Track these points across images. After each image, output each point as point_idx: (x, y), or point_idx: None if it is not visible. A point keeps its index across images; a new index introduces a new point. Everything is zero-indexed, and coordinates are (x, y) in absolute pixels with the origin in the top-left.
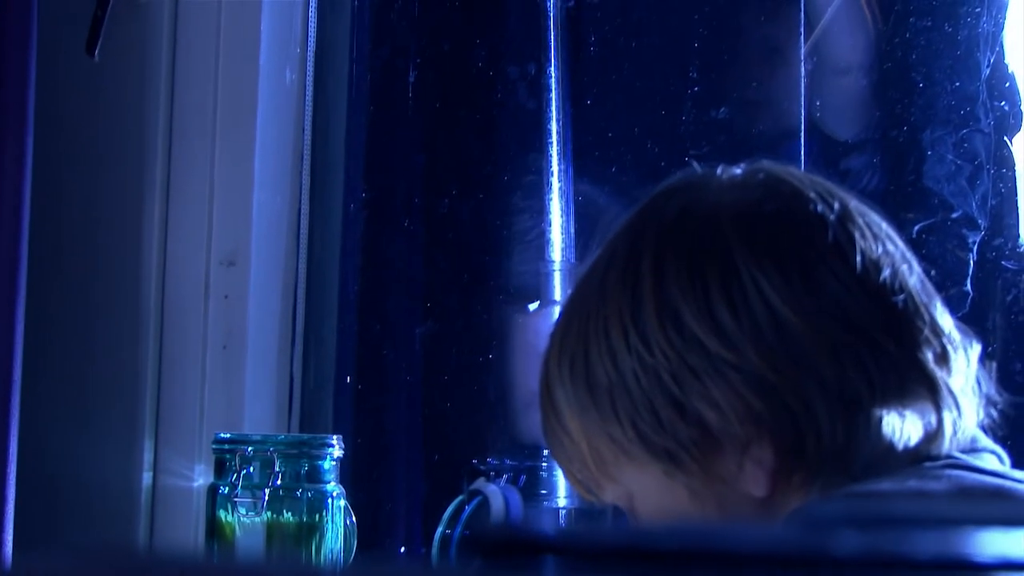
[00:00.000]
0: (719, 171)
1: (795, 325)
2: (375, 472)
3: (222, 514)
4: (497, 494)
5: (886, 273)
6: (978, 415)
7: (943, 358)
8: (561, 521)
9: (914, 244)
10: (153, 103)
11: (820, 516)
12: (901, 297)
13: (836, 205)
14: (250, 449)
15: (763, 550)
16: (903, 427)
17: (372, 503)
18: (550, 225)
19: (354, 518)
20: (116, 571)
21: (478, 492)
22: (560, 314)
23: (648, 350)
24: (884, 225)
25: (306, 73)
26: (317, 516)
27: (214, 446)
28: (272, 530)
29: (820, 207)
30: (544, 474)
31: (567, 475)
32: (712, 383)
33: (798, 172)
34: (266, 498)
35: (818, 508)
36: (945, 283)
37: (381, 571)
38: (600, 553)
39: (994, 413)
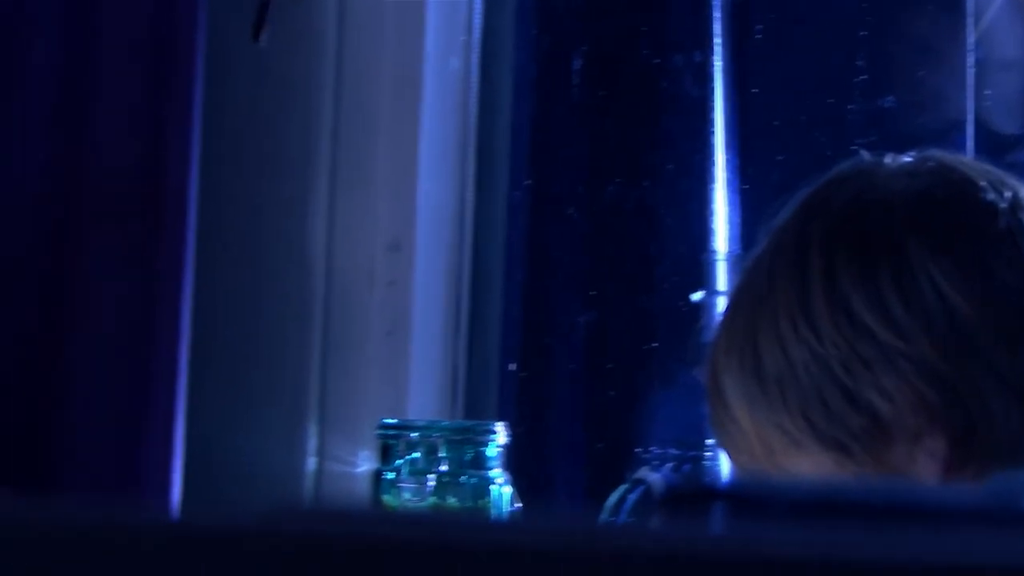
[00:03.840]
0: (888, 159)
1: (967, 314)
2: (538, 460)
3: (386, 499)
4: (661, 483)
5: None
6: None
7: None
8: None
9: None
10: (319, 89)
11: (1015, 483)
12: None
13: (1007, 193)
14: (415, 435)
15: (948, 507)
16: None
17: (535, 491)
18: (715, 214)
19: (519, 505)
20: (284, 525)
21: (642, 481)
22: (728, 304)
23: (818, 339)
24: None
25: (471, 60)
26: (481, 503)
27: (379, 432)
28: None
29: (991, 195)
30: (708, 463)
31: (735, 465)
32: (884, 373)
33: (968, 160)
34: (431, 484)
35: (1011, 476)
36: None
37: (554, 522)
38: (781, 503)
39: None
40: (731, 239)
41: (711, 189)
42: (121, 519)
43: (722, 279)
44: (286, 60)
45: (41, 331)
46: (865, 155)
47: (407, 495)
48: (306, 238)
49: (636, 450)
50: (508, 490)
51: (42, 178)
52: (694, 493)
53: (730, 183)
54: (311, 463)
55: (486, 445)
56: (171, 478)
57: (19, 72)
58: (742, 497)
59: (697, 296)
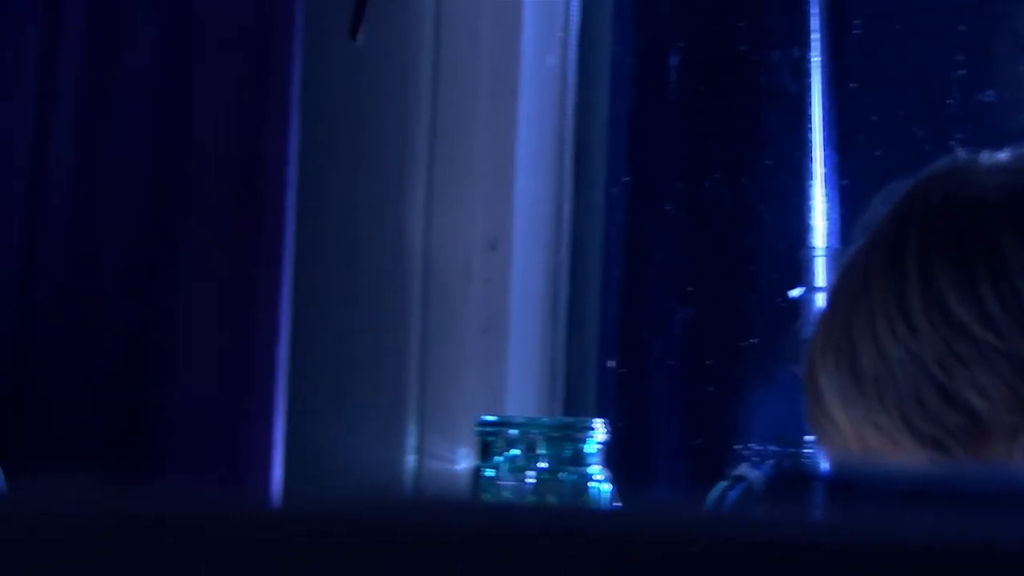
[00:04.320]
0: (984, 156)
1: None
2: (637, 456)
3: (486, 497)
4: (761, 479)
5: None
6: None
7: None
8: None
9: None
10: (416, 87)
11: None
12: None
13: None
14: (514, 432)
15: None
16: None
17: (634, 487)
18: (813, 210)
19: (619, 503)
20: (384, 510)
21: (741, 477)
22: (825, 302)
23: (915, 338)
24: None
25: (568, 57)
26: (581, 500)
27: (478, 429)
28: None
29: None
30: (808, 459)
31: (832, 462)
32: (980, 371)
33: None
34: (531, 481)
35: None
36: None
37: (659, 512)
38: (884, 489)
39: None
40: (829, 235)
41: (809, 185)
42: (222, 508)
43: (820, 275)
44: (383, 58)
45: (143, 329)
46: (961, 152)
47: (506, 492)
48: (403, 235)
49: (735, 447)
50: (607, 487)
51: (142, 176)
52: (797, 480)
53: (828, 179)
54: (410, 460)
55: (585, 442)
56: (271, 476)
57: (119, 72)
58: (844, 483)
59: (795, 292)
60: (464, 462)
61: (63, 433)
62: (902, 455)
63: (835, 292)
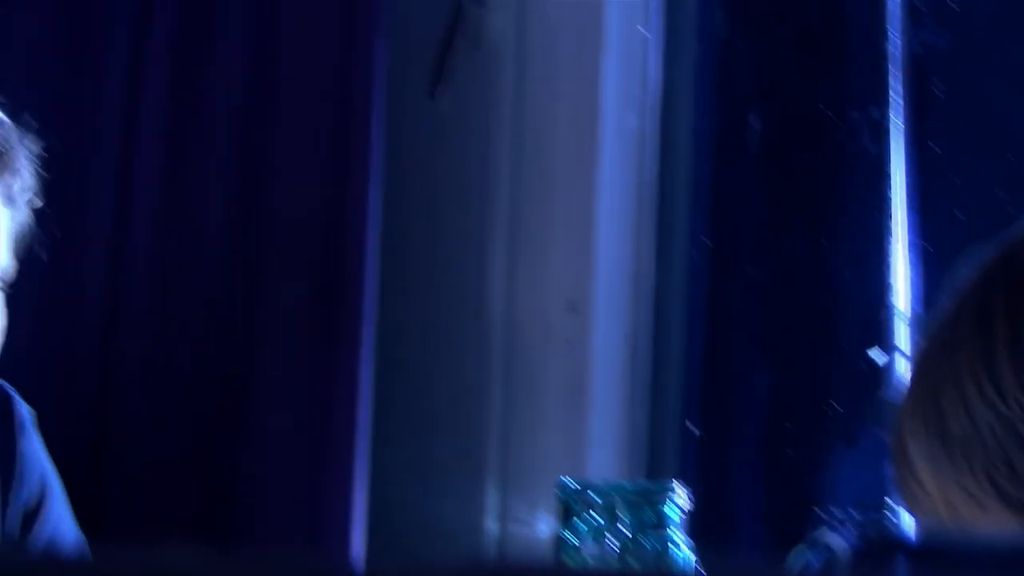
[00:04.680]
0: None
1: None
2: (718, 519)
3: (567, 561)
4: (842, 544)
5: None
6: None
7: None
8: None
9: None
10: (497, 150)
11: None
12: None
13: None
14: (595, 496)
15: None
16: None
17: (715, 550)
18: (894, 271)
19: (701, 566)
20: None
21: (823, 543)
22: (913, 367)
23: (1003, 401)
24: None
25: (648, 119)
26: (663, 564)
27: (559, 492)
28: None
29: None
30: (890, 522)
31: (919, 526)
32: None
33: None
34: (613, 546)
35: None
36: None
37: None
38: (973, 558)
39: None
40: (912, 297)
41: (890, 246)
42: (305, 573)
43: (902, 337)
44: (464, 121)
45: (224, 392)
46: None
47: (587, 556)
48: (485, 297)
49: (816, 510)
50: (688, 550)
51: (223, 239)
52: (882, 547)
53: (909, 241)
54: (491, 524)
55: (667, 506)
56: (353, 540)
57: (202, 134)
58: (933, 551)
59: (876, 354)
60: (545, 525)
61: (143, 498)
62: (991, 520)
63: (923, 356)
